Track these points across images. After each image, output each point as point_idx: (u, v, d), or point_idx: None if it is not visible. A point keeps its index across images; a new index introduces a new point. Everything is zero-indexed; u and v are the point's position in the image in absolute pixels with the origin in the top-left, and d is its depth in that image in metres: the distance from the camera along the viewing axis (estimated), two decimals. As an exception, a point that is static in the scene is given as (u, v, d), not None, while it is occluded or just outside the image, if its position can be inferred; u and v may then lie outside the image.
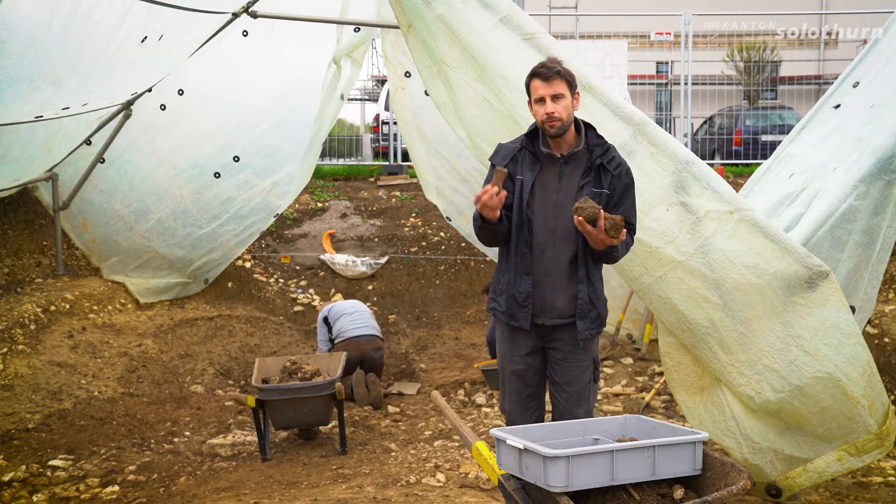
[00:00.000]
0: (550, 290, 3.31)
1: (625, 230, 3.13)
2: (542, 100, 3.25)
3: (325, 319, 6.66)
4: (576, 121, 3.34)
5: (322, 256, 9.07)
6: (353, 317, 6.60)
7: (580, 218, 3.06)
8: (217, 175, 7.33)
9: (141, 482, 4.61)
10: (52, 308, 6.53)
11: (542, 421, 3.53)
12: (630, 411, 5.47)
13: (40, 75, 4.53)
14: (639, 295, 3.98)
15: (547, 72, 3.23)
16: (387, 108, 13.22)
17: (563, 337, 3.35)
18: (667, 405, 5.73)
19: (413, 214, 10.06)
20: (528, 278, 3.31)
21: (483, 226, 3.26)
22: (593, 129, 3.38)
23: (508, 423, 3.49)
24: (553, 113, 3.22)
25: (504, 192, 3.12)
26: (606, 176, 3.28)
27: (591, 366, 3.41)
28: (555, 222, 3.28)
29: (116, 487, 4.52)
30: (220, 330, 7.42)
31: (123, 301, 7.35)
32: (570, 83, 3.28)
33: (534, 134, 3.39)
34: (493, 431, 2.78)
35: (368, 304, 8.54)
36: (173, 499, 4.38)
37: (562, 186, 3.30)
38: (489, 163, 3.42)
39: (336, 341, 6.44)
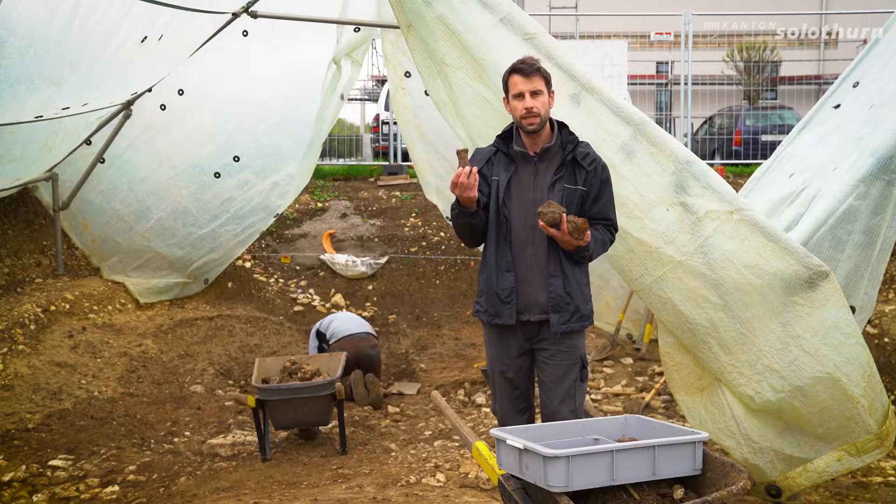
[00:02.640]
0: (533, 286, 3.34)
1: (589, 232, 3.21)
2: (521, 95, 3.30)
3: (318, 331, 6.68)
4: (550, 120, 3.39)
5: (322, 256, 9.07)
6: (346, 318, 6.67)
7: (542, 223, 3.15)
8: (217, 175, 7.33)
9: (141, 482, 4.62)
10: (52, 308, 6.52)
11: (533, 421, 3.54)
12: (630, 411, 5.47)
13: (40, 75, 4.53)
14: (639, 295, 3.98)
15: (527, 68, 3.29)
16: (387, 108, 13.21)
17: (549, 337, 3.37)
18: (667, 405, 5.73)
19: (413, 214, 10.05)
20: (510, 275, 3.33)
21: (461, 212, 3.27)
22: (566, 126, 3.44)
23: (501, 425, 3.50)
24: (532, 108, 3.28)
25: (476, 168, 3.18)
26: (581, 172, 3.33)
27: (577, 365, 3.41)
28: (533, 219, 3.30)
29: (116, 487, 4.52)
30: (220, 330, 7.42)
31: (123, 301, 7.35)
32: (548, 81, 3.35)
33: (507, 136, 3.44)
34: (494, 431, 2.78)
35: (368, 304, 8.56)
36: (173, 499, 4.38)
37: (538, 184, 3.35)
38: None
39: (331, 342, 6.45)
